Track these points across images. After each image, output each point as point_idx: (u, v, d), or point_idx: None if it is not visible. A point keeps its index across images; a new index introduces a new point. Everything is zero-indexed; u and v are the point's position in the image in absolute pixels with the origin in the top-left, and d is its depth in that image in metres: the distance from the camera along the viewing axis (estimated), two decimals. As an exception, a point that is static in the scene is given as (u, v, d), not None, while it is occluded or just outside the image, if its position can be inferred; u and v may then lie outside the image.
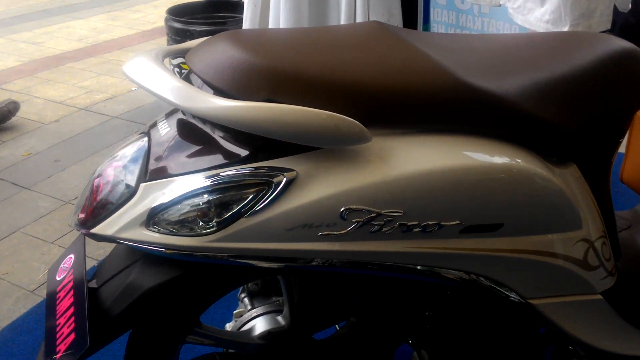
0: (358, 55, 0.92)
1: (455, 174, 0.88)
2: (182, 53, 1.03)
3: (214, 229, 0.87)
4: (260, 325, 1.14)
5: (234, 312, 1.23)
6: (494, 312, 1.11)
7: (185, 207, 0.87)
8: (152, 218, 0.88)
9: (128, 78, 0.90)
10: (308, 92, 0.85)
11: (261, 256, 0.89)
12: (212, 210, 0.87)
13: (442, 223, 0.89)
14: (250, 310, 1.19)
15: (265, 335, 1.13)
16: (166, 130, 0.95)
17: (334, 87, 0.85)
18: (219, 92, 0.88)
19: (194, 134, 0.93)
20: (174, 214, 0.88)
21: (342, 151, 0.87)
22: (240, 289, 1.25)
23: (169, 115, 0.99)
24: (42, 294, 1.92)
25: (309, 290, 1.11)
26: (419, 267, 0.93)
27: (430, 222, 0.88)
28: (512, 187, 0.92)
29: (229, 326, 1.24)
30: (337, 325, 1.31)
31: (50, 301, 1.06)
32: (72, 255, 1.12)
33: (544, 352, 1.20)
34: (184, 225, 0.88)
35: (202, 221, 0.87)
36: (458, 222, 0.89)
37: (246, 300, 1.22)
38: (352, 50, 0.94)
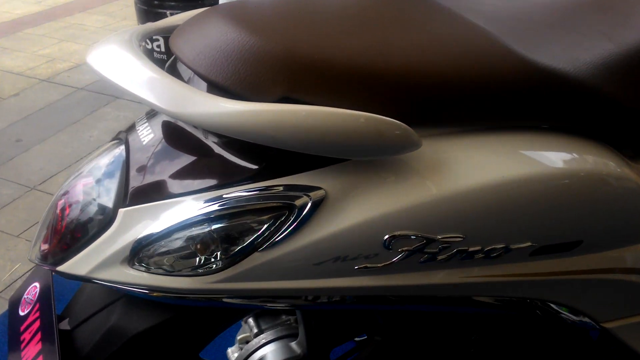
0: (396, 33, 0.71)
1: (528, 185, 0.68)
2: (163, 32, 0.80)
3: (218, 267, 0.67)
4: (271, 356, 0.96)
5: (238, 336, 1.04)
6: (552, 332, 0.94)
7: (180, 240, 0.67)
8: (137, 254, 0.68)
9: (94, 72, 0.67)
10: (338, 87, 0.64)
11: (279, 296, 0.70)
12: (216, 243, 0.66)
13: (511, 246, 0.70)
14: (257, 334, 1.00)
15: (278, 367, 0.95)
16: (149, 136, 0.74)
17: (372, 78, 0.64)
18: (217, 88, 0.66)
19: (186, 142, 0.72)
20: (165, 249, 0.67)
21: (381, 162, 0.67)
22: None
23: (150, 115, 0.77)
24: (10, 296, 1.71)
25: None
26: (475, 299, 0.75)
27: (497, 247, 0.69)
28: (592, 194, 0.73)
29: (231, 352, 1.05)
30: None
31: (14, 345, 0.86)
32: (36, 284, 0.92)
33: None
34: (179, 263, 0.68)
35: (203, 257, 0.67)
36: (530, 243, 0.71)
37: (251, 321, 1.03)
38: (387, 27, 0.72)
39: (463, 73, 0.67)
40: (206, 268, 0.67)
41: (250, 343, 0.99)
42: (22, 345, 0.84)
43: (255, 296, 0.70)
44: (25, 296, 0.92)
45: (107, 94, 2.88)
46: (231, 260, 0.67)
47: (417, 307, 0.74)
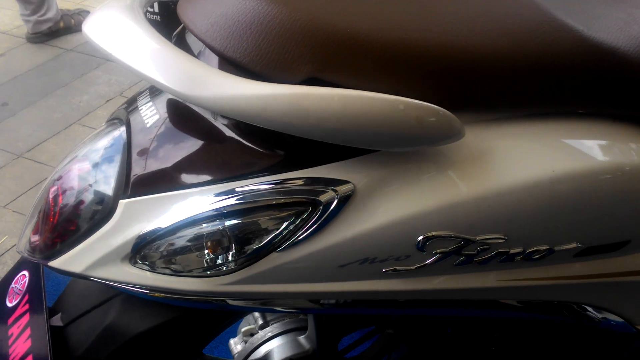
0: (440, 5, 0.62)
1: (580, 180, 0.61)
2: (168, -2, 0.72)
3: (231, 268, 0.60)
4: (278, 351, 0.90)
5: (241, 328, 0.97)
6: (576, 332, 0.88)
7: (188, 237, 0.59)
8: (139, 251, 0.61)
9: (92, 44, 0.59)
10: (374, 67, 0.56)
11: (295, 299, 0.64)
12: (229, 242, 0.59)
13: (555, 248, 0.63)
14: (262, 327, 0.94)
15: (286, 363, 0.89)
16: (153, 117, 0.65)
17: (413, 56, 0.56)
18: (233, 65, 0.58)
19: (195, 125, 0.63)
20: (170, 247, 0.60)
21: (415, 153, 0.59)
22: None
23: (154, 92, 0.69)
24: (-2, 271, 1.64)
25: None
26: (506, 302, 0.68)
27: (540, 248, 0.63)
28: None
29: (234, 344, 0.99)
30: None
31: (1, 339, 0.79)
32: (25, 273, 0.85)
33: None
34: (187, 262, 0.60)
35: (215, 257, 0.60)
36: (575, 244, 0.64)
37: (256, 312, 0.96)
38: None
39: (515, 51, 0.59)
40: (217, 269, 0.60)
41: (255, 336, 0.93)
42: (10, 341, 0.78)
43: (270, 299, 0.63)
44: (13, 285, 0.85)
45: (98, 56, 2.76)
46: (245, 260, 0.60)
47: (444, 312, 0.68)
